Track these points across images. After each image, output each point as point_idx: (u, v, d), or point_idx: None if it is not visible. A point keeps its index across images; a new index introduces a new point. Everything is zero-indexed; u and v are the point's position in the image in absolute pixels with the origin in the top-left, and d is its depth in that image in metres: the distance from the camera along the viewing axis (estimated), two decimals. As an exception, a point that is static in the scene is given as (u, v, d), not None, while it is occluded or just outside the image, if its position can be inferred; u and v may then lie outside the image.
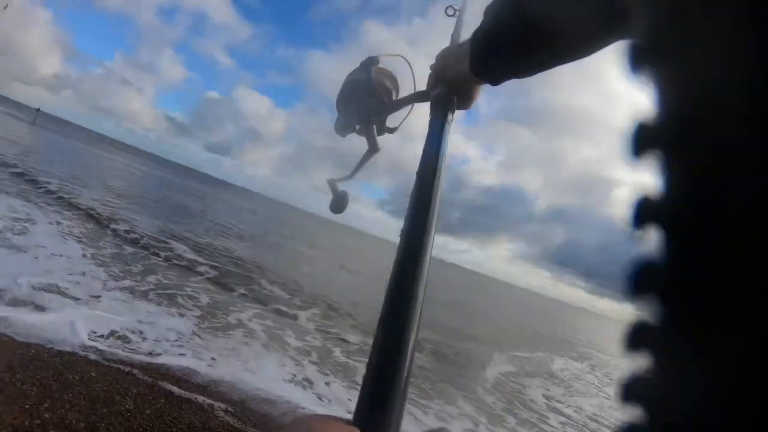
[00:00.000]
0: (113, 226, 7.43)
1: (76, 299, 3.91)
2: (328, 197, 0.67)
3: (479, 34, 0.52)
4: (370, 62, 0.67)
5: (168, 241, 8.02)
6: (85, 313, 3.66)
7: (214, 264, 7.52)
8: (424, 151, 0.53)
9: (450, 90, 0.60)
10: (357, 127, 0.68)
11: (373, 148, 0.68)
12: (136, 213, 9.90)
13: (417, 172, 0.50)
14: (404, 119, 0.73)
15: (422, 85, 0.66)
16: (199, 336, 4.11)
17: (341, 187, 0.67)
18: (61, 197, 8.36)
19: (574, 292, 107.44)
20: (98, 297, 4.14)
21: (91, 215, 7.70)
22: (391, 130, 0.72)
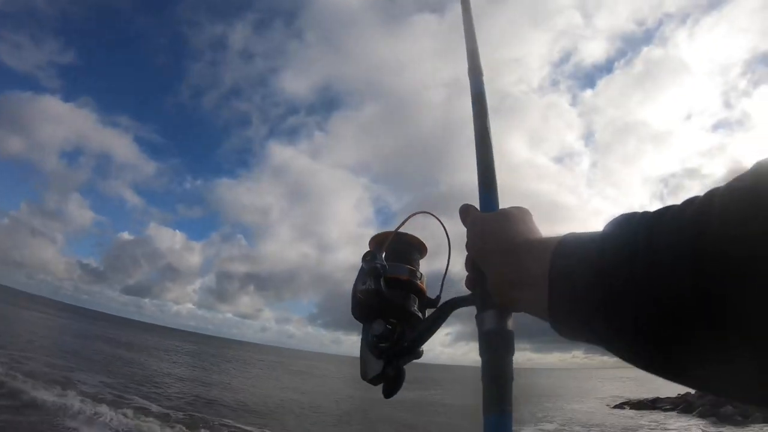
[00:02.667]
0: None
1: None
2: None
3: (585, 277, 0.29)
4: (375, 272, 0.48)
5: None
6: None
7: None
8: None
9: (501, 312, 0.42)
10: (385, 367, 0.49)
11: (416, 355, 0.51)
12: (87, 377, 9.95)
13: None
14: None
15: (458, 237, 0.47)
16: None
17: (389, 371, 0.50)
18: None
19: (521, 355, 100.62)
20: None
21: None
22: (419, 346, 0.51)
